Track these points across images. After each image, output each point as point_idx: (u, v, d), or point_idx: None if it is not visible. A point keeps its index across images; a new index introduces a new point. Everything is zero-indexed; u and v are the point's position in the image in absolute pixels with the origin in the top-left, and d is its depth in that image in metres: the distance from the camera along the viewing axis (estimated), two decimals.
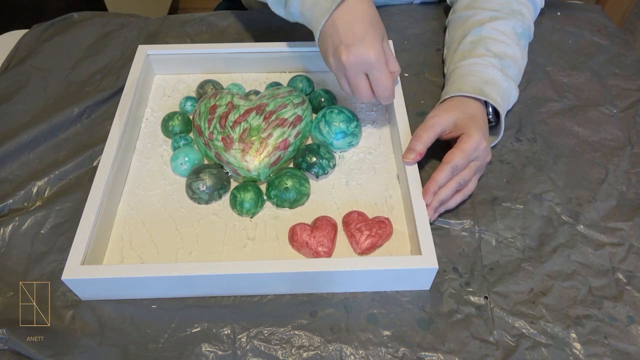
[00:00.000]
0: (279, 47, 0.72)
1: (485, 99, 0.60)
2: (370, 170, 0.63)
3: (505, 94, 0.63)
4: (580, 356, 0.49)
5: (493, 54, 0.64)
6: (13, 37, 0.84)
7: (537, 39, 0.80)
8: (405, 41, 0.81)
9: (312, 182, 0.62)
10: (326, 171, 0.62)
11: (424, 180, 0.61)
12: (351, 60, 0.55)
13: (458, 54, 0.67)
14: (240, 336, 0.50)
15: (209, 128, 0.62)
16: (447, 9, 0.84)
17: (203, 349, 0.50)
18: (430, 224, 0.57)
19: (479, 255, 0.56)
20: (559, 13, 0.86)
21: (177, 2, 2.03)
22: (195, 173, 0.60)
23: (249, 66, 0.74)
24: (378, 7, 0.87)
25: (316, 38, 0.59)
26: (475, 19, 0.69)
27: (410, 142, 0.58)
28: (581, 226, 0.59)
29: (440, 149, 0.61)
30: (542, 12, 0.84)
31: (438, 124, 0.58)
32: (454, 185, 0.56)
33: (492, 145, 0.63)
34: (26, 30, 0.83)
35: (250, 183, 0.60)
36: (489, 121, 0.63)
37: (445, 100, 0.63)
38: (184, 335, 0.50)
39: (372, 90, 0.58)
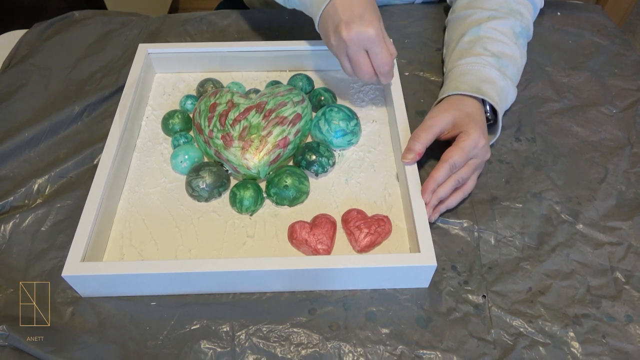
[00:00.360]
0: (279, 46, 0.72)
1: (482, 97, 0.60)
2: (369, 168, 0.63)
3: (502, 93, 0.63)
4: (578, 355, 0.49)
5: (491, 53, 0.64)
6: (13, 37, 0.84)
7: (537, 39, 0.80)
8: (406, 40, 0.81)
9: (312, 180, 0.62)
10: (326, 169, 0.62)
11: (423, 179, 0.61)
12: (352, 36, 0.57)
13: (456, 53, 0.67)
14: (239, 333, 0.51)
15: (209, 126, 0.62)
16: (447, 9, 0.84)
17: (202, 346, 0.50)
18: (431, 224, 0.57)
19: (477, 254, 0.56)
20: (559, 13, 0.86)
21: (177, 1, 2.03)
22: (195, 171, 0.60)
23: (249, 65, 0.74)
24: (379, 7, 0.87)
25: (316, 23, 0.62)
26: (473, 19, 0.69)
27: (408, 143, 0.58)
28: (580, 225, 0.59)
29: (439, 148, 0.61)
30: (542, 13, 0.84)
31: (436, 124, 0.58)
32: (452, 183, 0.56)
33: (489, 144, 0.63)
34: (26, 30, 0.84)
35: (249, 181, 0.60)
36: (487, 119, 0.63)
37: (442, 99, 0.63)
38: (183, 333, 0.51)
39: (373, 68, 0.60)
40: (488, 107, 0.63)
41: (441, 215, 0.59)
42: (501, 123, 0.63)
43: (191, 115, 0.68)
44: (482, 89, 0.61)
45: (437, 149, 0.61)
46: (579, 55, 0.79)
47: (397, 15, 0.85)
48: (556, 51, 0.80)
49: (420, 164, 0.63)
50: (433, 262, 0.50)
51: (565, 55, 0.79)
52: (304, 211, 0.59)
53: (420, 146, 0.57)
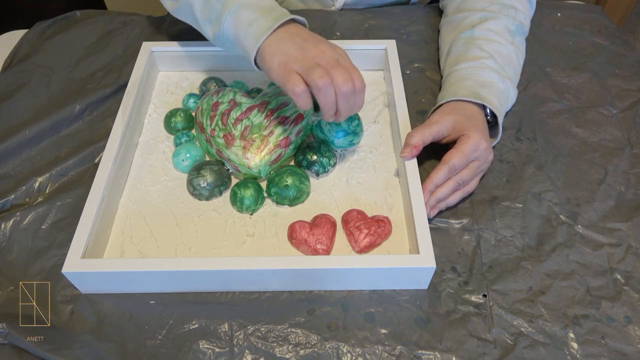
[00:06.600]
0: None
1: (481, 102, 0.60)
2: (370, 169, 0.63)
3: (502, 96, 0.63)
4: (578, 356, 0.49)
5: (488, 54, 0.64)
6: (14, 36, 0.84)
7: (537, 40, 0.80)
8: (405, 35, 0.81)
9: (313, 180, 0.62)
10: (326, 169, 0.62)
11: (424, 179, 0.61)
12: (323, 49, 0.53)
13: (452, 57, 0.67)
14: (237, 333, 0.51)
15: (210, 125, 0.62)
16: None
17: (200, 346, 0.50)
18: (429, 220, 0.58)
19: (478, 253, 0.56)
20: (559, 14, 0.86)
21: None
22: (197, 169, 0.60)
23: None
24: (376, 7, 0.87)
25: (253, 55, 0.56)
26: (466, 22, 0.69)
27: (406, 138, 0.58)
28: (579, 226, 0.59)
29: (442, 150, 0.61)
30: (542, 13, 0.84)
31: (435, 123, 0.58)
32: (452, 185, 0.56)
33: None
34: (27, 30, 0.84)
35: (250, 180, 0.60)
36: (488, 122, 0.63)
37: (441, 105, 0.63)
38: (182, 332, 0.51)
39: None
40: (488, 111, 0.63)
41: (441, 214, 0.59)
42: (501, 126, 0.63)
43: (193, 114, 0.68)
44: (481, 94, 0.61)
45: (440, 151, 0.61)
46: (579, 56, 0.79)
47: (398, 15, 0.85)
48: (556, 52, 0.80)
49: (422, 164, 0.63)
50: (432, 264, 0.50)
51: (566, 56, 0.79)
52: (304, 211, 0.59)
53: (417, 140, 0.57)
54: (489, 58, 0.64)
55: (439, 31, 0.77)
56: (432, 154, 0.64)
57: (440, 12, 0.85)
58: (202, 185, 0.59)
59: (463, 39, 0.67)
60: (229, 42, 0.59)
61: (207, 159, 0.64)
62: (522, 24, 0.69)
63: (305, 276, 0.51)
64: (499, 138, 0.63)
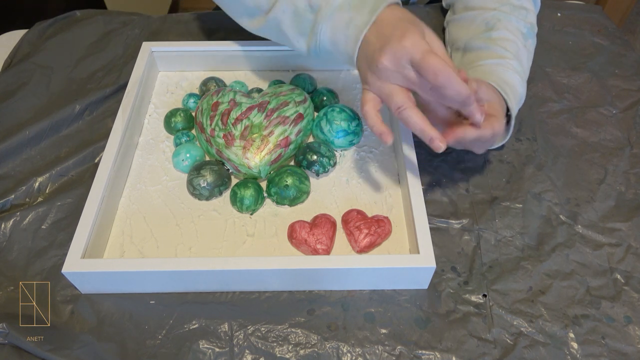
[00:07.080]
0: (283, 46, 0.72)
1: (504, 96, 0.58)
2: (370, 169, 0.63)
3: (520, 100, 0.61)
4: (578, 356, 0.49)
5: (513, 55, 0.62)
6: (14, 36, 0.84)
7: (537, 40, 0.80)
8: None
9: (313, 180, 0.62)
10: (327, 169, 0.62)
11: (424, 180, 0.61)
12: (388, 59, 0.48)
13: (473, 54, 0.65)
14: (237, 333, 0.51)
15: (210, 125, 0.62)
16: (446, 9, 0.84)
17: (200, 346, 0.50)
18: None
19: (478, 254, 0.56)
20: (559, 14, 0.86)
21: (177, 1, 2.03)
22: (197, 169, 0.60)
23: (252, 64, 0.75)
24: None
25: (354, 60, 0.53)
26: (479, 21, 0.67)
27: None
28: (579, 226, 0.59)
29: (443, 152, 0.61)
30: (542, 13, 0.84)
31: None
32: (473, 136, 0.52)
33: (496, 146, 0.62)
34: (27, 30, 0.84)
35: (250, 180, 0.60)
36: None
37: None
38: (182, 332, 0.51)
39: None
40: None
41: (441, 215, 0.59)
42: (512, 128, 0.60)
43: (193, 114, 0.68)
44: (505, 90, 0.59)
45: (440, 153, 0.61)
46: (579, 56, 0.79)
47: None
48: (556, 52, 0.80)
49: (422, 164, 0.63)
50: (432, 264, 0.50)
51: (566, 56, 0.79)
52: (304, 211, 0.59)
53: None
54: (514, 59, 0.62)
55: (443, 29, 0.77)
56: (432, 154, 0.64)
57: (442, 12, 0.85)
58: (202, 185, 0.59)
59: (482, 38, 0.66)
60: (325, 51, 0.57)
61: (207, 159, 0.64)
62: (532, 25, 0.68)
63: (305, 276, 0.52)
64: (506, 139, 0.62)
